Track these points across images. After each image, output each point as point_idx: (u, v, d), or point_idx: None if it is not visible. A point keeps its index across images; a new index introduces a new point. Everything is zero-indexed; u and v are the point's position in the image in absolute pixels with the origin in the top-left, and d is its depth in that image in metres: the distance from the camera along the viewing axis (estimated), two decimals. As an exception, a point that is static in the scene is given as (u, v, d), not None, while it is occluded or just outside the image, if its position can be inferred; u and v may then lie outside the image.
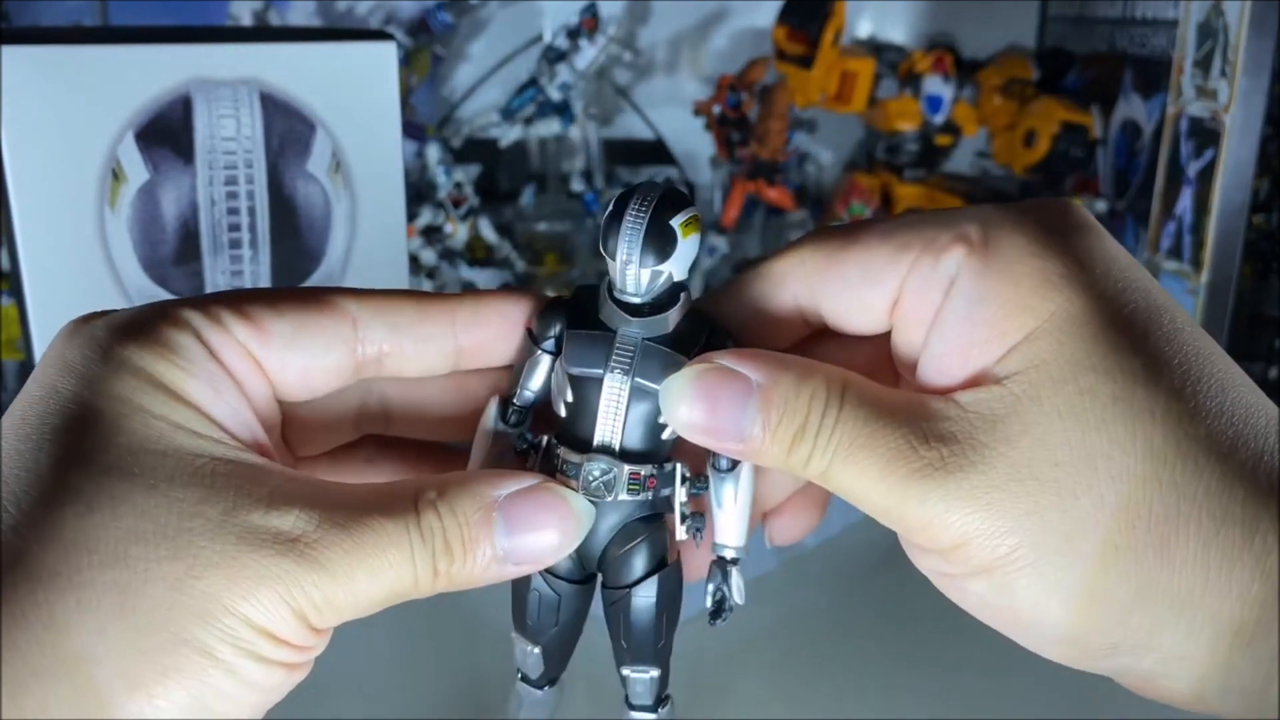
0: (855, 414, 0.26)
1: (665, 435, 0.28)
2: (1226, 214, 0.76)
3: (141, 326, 0.26)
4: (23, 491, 0.24)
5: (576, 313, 0.28)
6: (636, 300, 0.27)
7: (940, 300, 0.27)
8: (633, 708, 0.30)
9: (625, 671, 0.29)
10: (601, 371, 0.27)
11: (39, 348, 0.54)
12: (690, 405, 0.26)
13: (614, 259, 0.26)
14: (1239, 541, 0.24)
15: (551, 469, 0.28)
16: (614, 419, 0.27)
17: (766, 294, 0.30)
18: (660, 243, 0.26)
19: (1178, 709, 0.27)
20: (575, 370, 0.27)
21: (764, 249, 1.10)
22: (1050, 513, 0.25)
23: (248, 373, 0.28)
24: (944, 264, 0.27)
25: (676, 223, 0.26)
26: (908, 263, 0.27)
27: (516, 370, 0.29)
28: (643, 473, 0.28)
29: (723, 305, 0.30)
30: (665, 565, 0.28)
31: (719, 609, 0.29)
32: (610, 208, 0.27)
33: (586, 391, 0.27)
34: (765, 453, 0.27)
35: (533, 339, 0.29)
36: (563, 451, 0.28)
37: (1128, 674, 0.26)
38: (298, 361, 0.28)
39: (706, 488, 0.29)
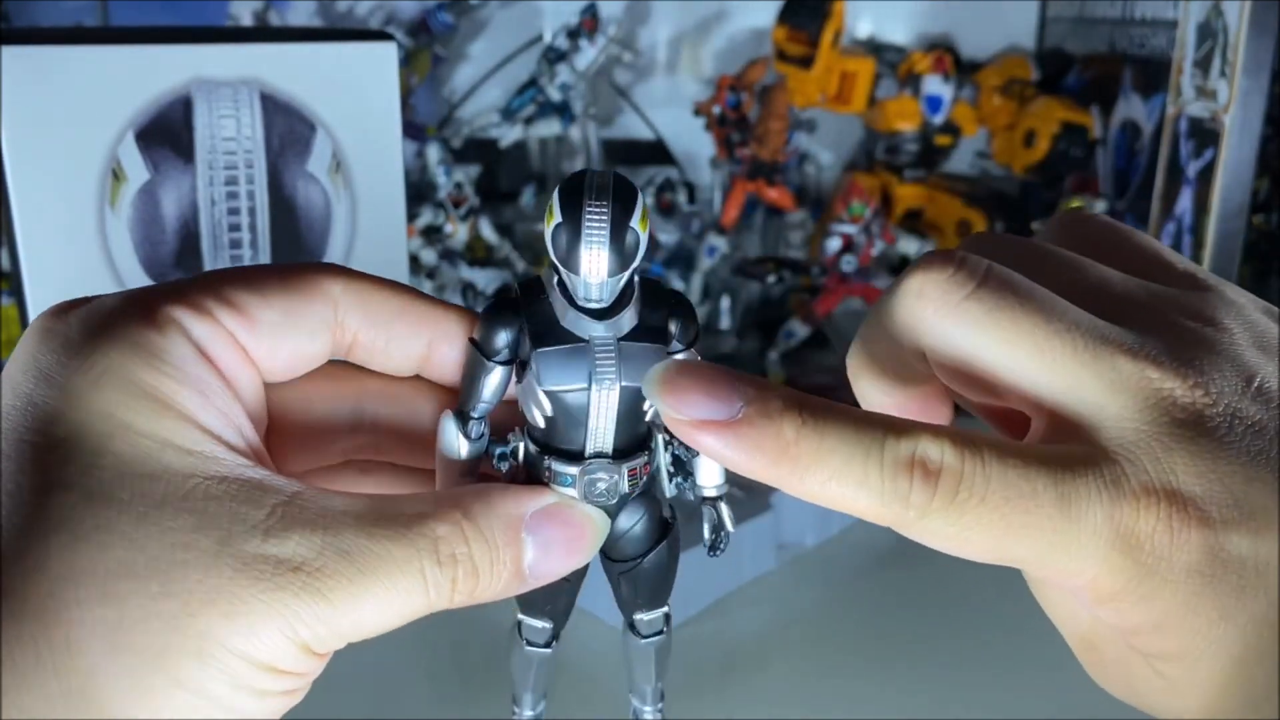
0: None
1: (649, 417, 0.28)
2: (1226, 214, 0.76)
3: (121, 326, 0.25)
4: (5, 517, 0.23)
5: (535, 323, 0.27)
6: (604, 305, 0.26)
7: None
8: (645, 637, 0.31)
9: (638, 616, 0.30)
10: (586, 385, 0.27)
11: (39, 348, 0.54)
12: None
13: (578, 274, 0.25)
14: None
15: (539, 478, 0.28)
16: (606, 427, 0.27)
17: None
18: (625, 250, 0.25)
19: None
20: (555, 388, 0.27)
21: (764, 249, 1.10)
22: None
23: (237, 366, 0.27)
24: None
25: (635, 223, 0.25)
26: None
27: (467, 382, 0.28)
28: (638, 466, 0.28)
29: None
30: (668, 528, 0.29)
31: (716, 541, 0.30)
32: (559, 211, 0.25)
33: (568, 403, 0.27)
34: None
35: (481, 351, 0.27)
36: (552, 462, 0.27)
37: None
38: (286, 348, 0.27)
39: (688, 451, 0.29)
